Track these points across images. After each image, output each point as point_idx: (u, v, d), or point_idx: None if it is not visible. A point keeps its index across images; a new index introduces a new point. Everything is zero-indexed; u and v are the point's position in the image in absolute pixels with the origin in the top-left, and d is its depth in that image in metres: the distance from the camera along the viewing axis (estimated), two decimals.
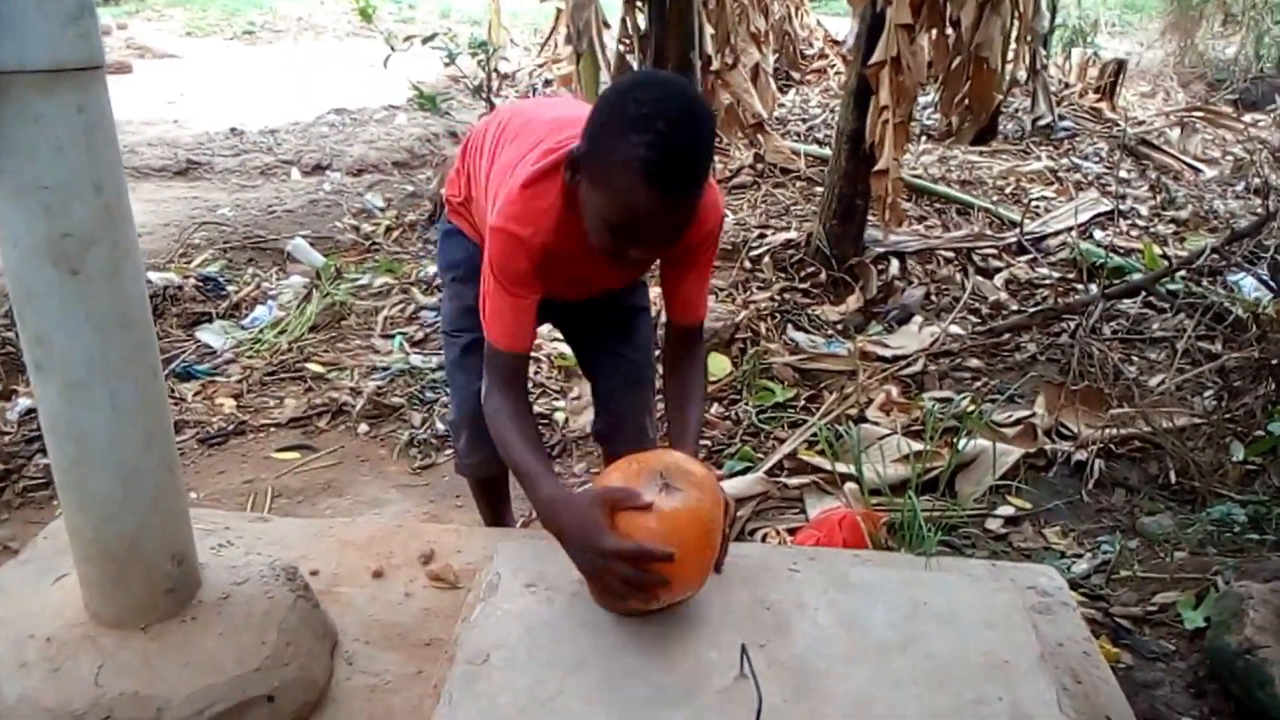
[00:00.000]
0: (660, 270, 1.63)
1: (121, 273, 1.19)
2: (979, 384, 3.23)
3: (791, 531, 2.37)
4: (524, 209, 1.45)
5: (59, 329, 1.17)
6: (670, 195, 1.29)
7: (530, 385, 3.09)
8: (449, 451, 2.85)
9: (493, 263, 1.48)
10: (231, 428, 2.91)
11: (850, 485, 2.49)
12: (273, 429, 2.94)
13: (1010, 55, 5.92)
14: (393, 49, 4.63)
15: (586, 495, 1.32)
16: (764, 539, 2.37)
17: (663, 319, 1.75)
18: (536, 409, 3.06)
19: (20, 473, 2.61)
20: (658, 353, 1.91)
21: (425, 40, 4.79)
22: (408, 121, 7.44)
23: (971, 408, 2.93)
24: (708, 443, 2.86)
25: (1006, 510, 2.51)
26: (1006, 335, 3.57)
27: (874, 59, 3.36)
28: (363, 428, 2.97)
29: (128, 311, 1.21)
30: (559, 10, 7.31)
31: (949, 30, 3.45)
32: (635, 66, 4.71)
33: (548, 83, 8.15)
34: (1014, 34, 5.84)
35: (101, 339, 1.18)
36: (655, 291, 1.86)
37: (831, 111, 7.23)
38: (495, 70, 6.21)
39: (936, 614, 1.41)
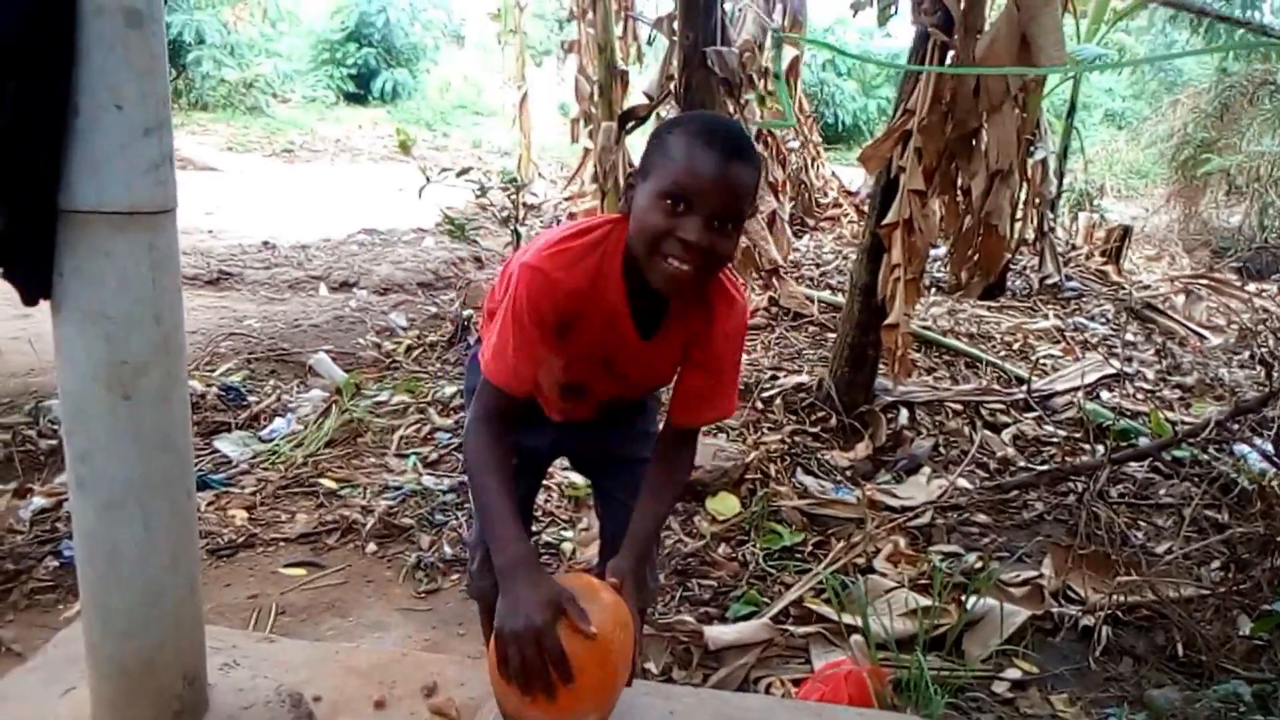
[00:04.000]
0: (679, 374, 1.64)
1: (171, 399, 1.26)
2: (986, 540, 3.24)
3: (796, 683, 2.34)
4: (562, 253, 1.46)
5: (103, 450, 1.22)
6: (720, 151, 1.36)
7: (539, 513, 3.13)
8: (454, 576, 2.85)
9: (516, 297, 1.45)
10: (242, 540, 2.93)
11: (856, 638, 2.47)
12: (282, 543, 2.96)
13: (1019, 217, 6.14)
14: (428, 179, 4.85)
15: (554, 585, 1.37)
16: (768, 689, 2.34)
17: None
18: (544, 538, 3.07)
19: (30, 574, 2.61)
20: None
21: (460, 174, 5.01)
22: (435, 245, 7.71)
23: (980, 564, 2.92)
24: (713, 583, 2.86)
25: (1014, 673, 2.48)
26: (1014, 492, 3.59)
27: (887, 219, 3.51)
28: (371, 547, 2.98)
29: (171, 435, 1.27)
30: (586, 150, 7.66)
31: (960, 196, 3.61)
32: None
33: (571, 215, 8.45)
34: (1023, 197, 6.08)
35: (144, 461, 1.23)
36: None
37: (844, 258, 7.44)
38: (523, 202, 6.49)
39: None
